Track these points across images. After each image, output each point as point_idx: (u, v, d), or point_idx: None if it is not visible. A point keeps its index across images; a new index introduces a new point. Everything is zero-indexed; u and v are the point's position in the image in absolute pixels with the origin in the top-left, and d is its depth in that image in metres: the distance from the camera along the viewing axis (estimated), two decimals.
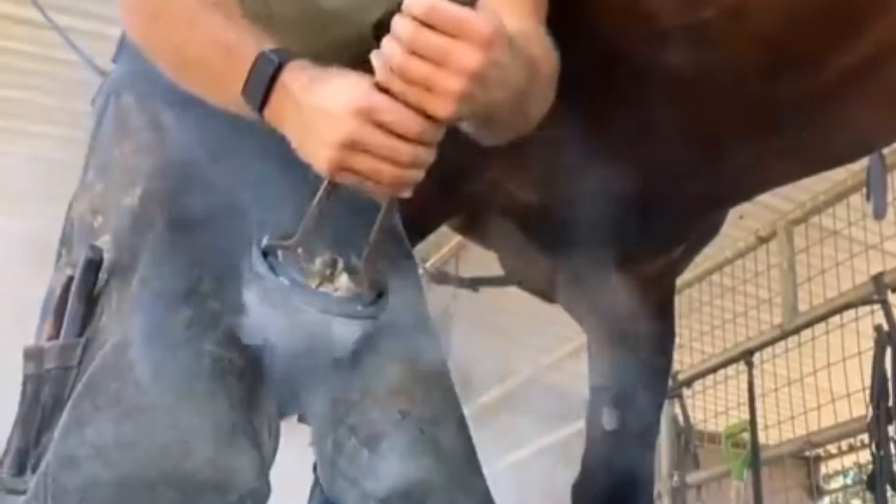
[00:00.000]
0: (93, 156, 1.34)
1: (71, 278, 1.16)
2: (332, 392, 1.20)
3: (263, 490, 1.08)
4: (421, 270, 2.54)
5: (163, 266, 1.14)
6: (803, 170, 1.73)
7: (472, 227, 2.14)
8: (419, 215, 1.57)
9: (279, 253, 1.09)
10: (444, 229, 2.18)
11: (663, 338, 2.27)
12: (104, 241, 1.19)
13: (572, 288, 2.25)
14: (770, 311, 3.79)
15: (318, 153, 0.98)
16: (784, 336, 3.39)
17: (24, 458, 1.10)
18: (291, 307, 1.05)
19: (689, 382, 3.83)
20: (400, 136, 0.95)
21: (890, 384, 2.71)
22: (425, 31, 0.90)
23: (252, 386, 1.12)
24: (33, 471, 1.06)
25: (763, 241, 3.63)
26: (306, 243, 1.11)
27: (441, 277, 3.51)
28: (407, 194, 1.02)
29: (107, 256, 1.17)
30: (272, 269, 1.06)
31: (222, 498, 1.02)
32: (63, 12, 3.27)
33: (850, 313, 3.10)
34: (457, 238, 3.93)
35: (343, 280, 1.13)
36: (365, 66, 0.99)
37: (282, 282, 1.05)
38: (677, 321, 2.33)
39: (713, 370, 3.74)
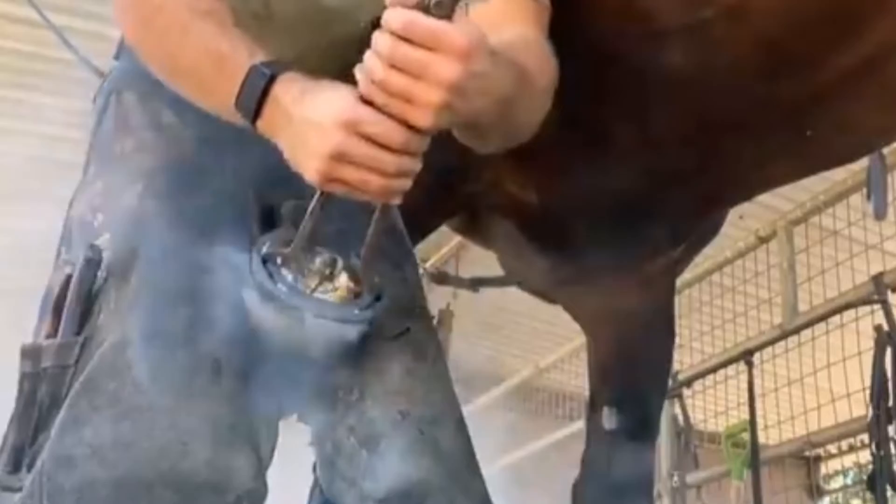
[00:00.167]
0: (93, 154, 1.34)
1: (70, 277, 1.16)
2: (331, 392, 1.20)
3: (261, 491, 1.08)
4: (421, 271, 2.54)
5: (162, 265, 1.14)
6: (803, 170, 1.73)
7: (472, 227, 2.14)
8: (419, 215, 1.57)
9: (278, 259, 1.11)
10: (444, 229, 2.18)
11: (663, 338, 2.27)
12: (104, 240, 1.19)
13: (572, 288, 2.25)
14: (770, 311, 3.79)
15: (308, 164, 1.01)
16: (784, 336, 3.39)
17: (20, 456, 1.09)
18: (288, 312, 1.08)
19: (689, 382, 3.83)
20: (385, 147, 0.98)
21: (890, 384, 2.71)
22: (403, 45, 0.93)
23: (250, 387, 1.12)
24: (29, 469, 1.06)
25: (763, 241, 3.63)
26: (306, 244, 1.13)
27: (441, 278, 3.51)
28: (396, 201, 1.04)
29: (106, 255, 1.17)
30: (270, 275, 1.09)
31: (219, 498, 1.02)
32: (61, 12, 3.27)
33: (850, 313, 3.10)
34: (457, 238, 3.93)
35: (343, 279, 1.14)
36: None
37: (280, 288, 1.08)
38: (677, 321, 2.33)
39: (713, 370, 3.74)
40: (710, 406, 4.15)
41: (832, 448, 4.98)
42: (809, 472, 5.23)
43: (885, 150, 2.40)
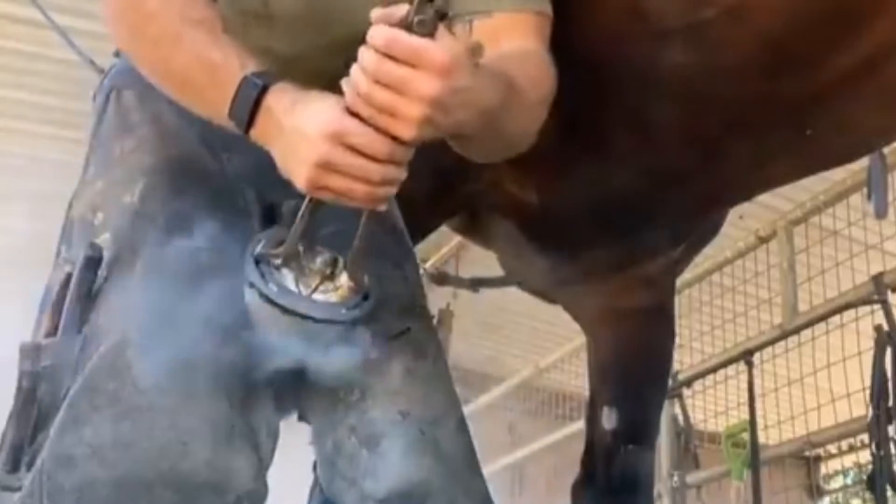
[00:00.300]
0: (93, 153, 1.34)
1: (69, 275, 1.16)
2: (331, 392, 1.20)
3: (261, 491, 1.08)
4: (421, 271, 2.54)
5: (162, 265, 1.14)
6: (803, 170, 1.73)
7: (472, 227, 2.14)
8: (419, 215, 1.57)
9: (277, 259, 1.12)
10: (444, 229, 2.18)
11: (663, 338, 2.27)
12: (104, 239, 1.19)
13: (572, 288, 2.25)
14: (770, 311, 3.79)
15: (297, 172, 1.04)
16: (784, 336, 3.39)
17: (19, 455, 1.09)
18: (279, 312, 1.09)
19: (689, 382, 3.83)
20: (370, 157, 1.00)
21: (890, 384, 2.71)
22: (387, 61, 0.96)
23: (250, 387, 1.12)
24: (28, 468, 1.06)
25: (763, 241, 3.63)
26: (306, 244, 1.14)
27: (441, 278, 3.51)
28: (382, 207, 1.08)
29: (106, 254, 1.17)
30: (262, 275, 1.10)
31: (219, 499, 1.02)
32: (64, 12, 3.27)
33: (850, 313, 3.10)
34: (457, 238, 3.93)
35: (343, 279, 1.15)
36: None
37: (270, 288, 1.10)
38: (677, 321, 2.33)
39: (713, 370, 3.74)
40: (710, 406, 4.14)
41: (832, 448, 4.98)
42: (809, 472, 5.23)
43: (886, 150, 2.40)
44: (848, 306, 3.06)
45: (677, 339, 2.39)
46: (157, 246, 1.16)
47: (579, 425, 3.48)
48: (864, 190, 2.60)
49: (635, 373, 2.19)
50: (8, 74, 4.09)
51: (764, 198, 3.60)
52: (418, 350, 1.24)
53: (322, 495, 1.20)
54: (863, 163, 2.58)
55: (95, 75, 1.81)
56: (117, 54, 1.44)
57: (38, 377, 1.12)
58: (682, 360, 3.88)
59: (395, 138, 1.00)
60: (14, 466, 1.08)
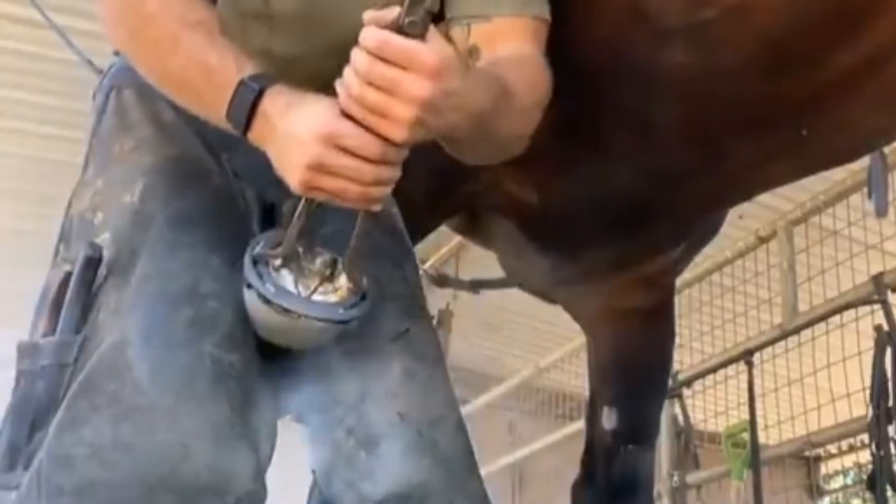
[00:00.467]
0: (93, 152, 1.34)
1: (69, 275, 1.16)
2: (330, 393, 1.20)
3: (260, 493, 1.08)
4: (421, 272, 2.54)
5: (162, 264, 1.14)
6: (804, 169, 1.73)
7: (472, 227, 2.14)
8: (419, 215, 1.57)
9: (277, 260, 1.13)
10: (443, 229, 2.18)
11: (663, 338, 2.27)
12: (104, 239, 1.19)
13: (572, 288, 2.25)
14: (770, 311, 3.79)
15: (291, 174, 1.05)
16: (784, 336, 3.39)
17: (16, 454, 1.09)
18: (277, 312, 1.10)
19: (689, 382, 3.83)
20: (362, 158, 1.01)
21: (890, 384, 2.71)
22: (379, 63, 0.97)
23: (250, 388, 1.12)
24: (25, 467, 1.06)
25: (763, 241, 3.62)
26: (306, 245, 1.15)
27: (441, 280, 3.51)
28: (376, 207, 1.09)
29: (106, 254, 1.17)
30: (260, 276, 1.11)
31: (220, 501, 1.02)
32: (62, 12, 3.26)
33: (850, 313, 3.10)
34: (457, 238, 3.93)
35: (342, 280, 1.15)
36: None
37: (268, 288, 1.10)
38: (677, 321, 2.32)
39: (713, 370, 3.74)
40: (710, 406, 4.14)
41: (832, 448, 4.98)
42: (809, 472, 5.23)
43: (886, 149, 2.40)
44: (848, 306, 3.06)
45: (677, 339, 2.39)
46: (158, 246, 1.16)
47: (579, 425, 3.48)
48: (865, 190, 2.60)
49: (635, 373, 2.19)
50: (8, 74, 4.09)
51: (764, 198, 3.60)
52: (417, 351, 1.24)
53: (321, 496, 1.20)
54: (863, 162, 2.58)
55: (95, 75, 1.80)
56: (117, 53, 1.44)
57: (37, 376, 1.12)
58: (682, 360, 3.88)
59: (386, 139, 1.00)
60: (11, 465, 1.08)
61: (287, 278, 1.14)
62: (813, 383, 3.44)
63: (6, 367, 1.21)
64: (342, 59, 1.01)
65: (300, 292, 1.13)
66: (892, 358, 2.73)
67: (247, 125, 1.08)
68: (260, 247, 1.14)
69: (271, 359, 1.18)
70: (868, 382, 2.79)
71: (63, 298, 1.15)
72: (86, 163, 1.34)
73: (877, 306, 2.90)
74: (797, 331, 3.35)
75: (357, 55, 0.98)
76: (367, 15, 0.99)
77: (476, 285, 3.17)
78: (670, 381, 3.18)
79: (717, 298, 4.11)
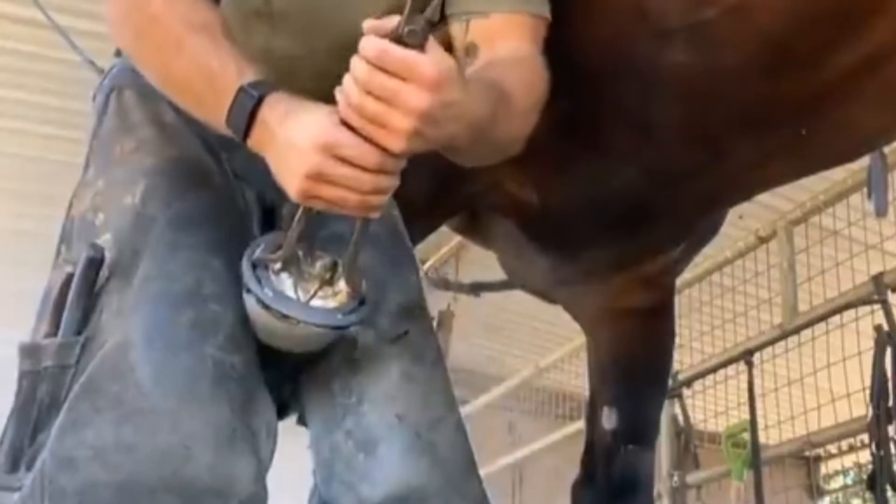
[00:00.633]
0: (93, 153, 1.34)
1: (70, 276, 1.16)
2: (329, 395, 1.20)
3: (261, 495, 1.08)
4: (421, 274, 2.55)
5: (164, 266, 1.14)
6: (803, 169, 1.73)
7: (472, 228, 2.14)
8: (419, 215, 1.57)
9: (276, 264, 1.13)
10: (444, 229, 2.18)
11: (663, 337, 2.27)
12: (105, 240, 1.19)
13: (572, 288, 2.25)
14: (770, 311, 3.79)
15: (289, 183, 1.06)
16: (784, 336, 3.38)
17: (19, 455, 1.09)
18: (275, 317, 1.11)
19: (689, 382, 3.83)
20: (361, 167, 1.01)
21: (890, 384, 2.71)
22: (378, 73, 0.97)
23: (251, 390, 1.12)
24: (28, 468, 1.06)
25: (763, 241, 3.62)
26: (306, 249, 1.15)
27: (442, 283, 3.50)
28: (375, 215, 1.09)
29: (108, 255, 1.17)
30: (259, 281, 1.11)
31: (222, 503, 1.02)
32: (64, 12, 3.27)
33: (850, 313, 3.10)
34: (457, 238, 3.92)
35: (342, 284, 1.16)
36: None
37: (266, 293, 1.11)
38: (677, 321, 2.32)
39: (713, 370, 3.74)
40: (710, 406, 4.14)
41: (832, 448, 4.98)
42: (809, 472, 5.23)
43: (886, 149, 2.40)
44: (848, 306, 3.06)
45: (677, 339, 2.39)
46: (159, 247, 1.16)
47: (579, 425, 3.48)
48: (864, 189, 2.60)
49: (635, 373, 2.19)
50: (8, 74, 4.09)
51: (764, 198, 3.60)
52: (416, 353, 1.24)
53: (320, 498, 1.20)
54: (863, 162, 2.58)
55: (95, 75, 1.80)
56: (118, 54, 1.44)
57: (39, 377, 1.12)
58: (682, 360, 3.88)
59: (385, 149, 1.00)
60: (13, 467, 1.08)
61: (286, 282, 1.14)
62: (813, 383, 3.44)
63: (7, 367, 1.21)
64: (342, 57, 1.01)
65: (299, 297, 1.14)
66: (892, 358, 2.73)
67: (246, 132, 1.08)
68: (260, 250, 1.15)
69: (272, 360, 1.18)
70: (868, 382, 2.79)
71: (65, 300, 1.15)
72: (86, 164, 1.34)
73: (877, 306, 2.90)
74: (797, 331, 3.35)
75: (357, 64, 0.98)
76: (367, 24, 0.99)
77: (477, 288, 3.17)
78: (670, 381, 3.19)
79: (717, 298, 4.11)
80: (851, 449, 4.67)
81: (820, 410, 3.31)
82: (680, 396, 3.80)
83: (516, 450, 4.99)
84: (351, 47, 1.00)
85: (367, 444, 1.16)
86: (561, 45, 1.32)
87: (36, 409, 1.10)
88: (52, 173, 4.21)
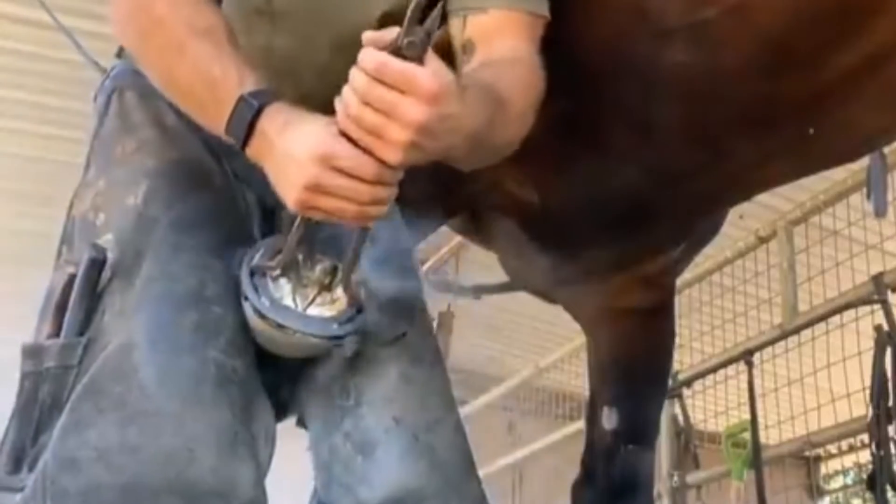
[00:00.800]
0: (94, 154, 1.34)
1: (73, 277, 1.16)
2: (328, 398, 1.20)
3: (261, 499, 1.08)
4: (421, 274, 2.54)
5: (167, 267, 1.14)
6: (804, 169, 1.73)
7: (472, 227, 2.14)
8: (419, 216, 1.57)
9: (274, 271, 1.14)
10: (444, 229, 2.18)
11: (664, 337, 2.27)
12: (106, 240, 1.19)
13: (572, 288, 2.25)
14: (770, 311, 3.79)
15: (288, 193, 1.06)
16: (784, 336, 3.38)
17: (21, 456, 1.09)
18: (272, 326, 1.11)
19: (689, 382, 3.83)
20: (358, 178, 1.02)
21: (890, 384, 2.71)
22: (377, 85, 0.97)
23: (251, 394, 1.12)
24: (30, 469, 1.06)
25: (763, 241, 3.62)
26: (306, 252, 1.16)
27: (443, 286, 3.50)
28: (373, 224, 1.09)
29: (110, 255, 1.17)
30: (256, 289, 1.12)
31: None
32: (66, 13, 3.27)
33: (850, 313, 3.10)
34: (457, 238, 3.93)
35: (340, 290, 1.16)
36: None
37: (263, 302, 1.11)
38: (677, 321, 2.32)
39: (713, 370, 3.74)
40: (710, 406, 4.14)
41: (832, 448, 4.98)
42: (809, 472, 5.23)
43: (886, 150, 2.40)
44: (848, 306, 3.06)
45: (677, 339, 2.39)
46: (162, 248, 1.16)
47: (579, 425, 3.48)
48: (864, 190, 2.60)
49: (635, 373, 2.19)
50: (8, 74, 4.09)
51: (764, 198, 3.60)
52: (415, 355, 1.24)
53: (319, 501, 1.20)
54: (863, 162, 2.58)
55: (95, 75, 1.80)
56: (119, 55, 1.44)
57: (41, 378, 1.12)
58: (682, 360, 3.88)
59: (382, 161, 1.01)
60: (15, 468, 1.08)
61: (285, 288, 1.14)
62: (813, 383, 3.44)
63: (8, 368, 1.21)
64: (343, 55, 1.01)
65: (297, 303, 1.14)
66: (892, 358, 2.73)
67: (245, 141, 1.09)
68: (258, 257, 1.15)
69: (271, 362, 1.18)
70: (868, 382, 2.79)
71: (67, 300, 1.15)
72: (87, 164, 1.34)
73: (877, 306, 2.90)
74: (797, 331, 3.35)
75: (356, 75, 0.98)
76: (366, 35, 0.99)
77: (478, 291, 3.17)
78: (670, 381, 3.19)
79: (717, 298, 4.11)
80: (851, 449, 4.68)
81: (820, 410, 3.31)
82: (680, 396, 3.80)
83: (516, 450, 4.99)
84: (351, 46, 1.00)
85: (366, 447, 1.16)
86: (561, 44, 1.32)
87: (38, 410, 1.10)
88: (52, 173, 4.21)
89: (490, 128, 1.11)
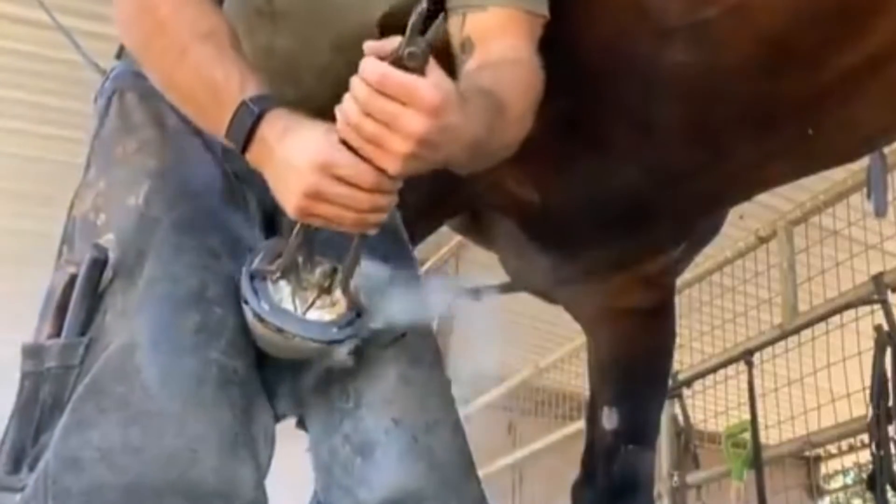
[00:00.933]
0: (94, 154, 1.34)
1: (74, 277, 1.16)
2: (328, 400, 1.20)
3: (261, 500, 1.08)
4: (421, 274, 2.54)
5: (169, 268, 1.14)
6: (804, 169, 1.73)
7: (473, 227, 2.14)
8: (419, 216, 1.58)
9: (267, 275, 1.14)
10: (444, 229, 2.18)
11: (664, 337, 2.27)
12: (107, 240, 1.18)
13: (572, 288, 2.25)
14: (770, 311, 3.79)
15: (288, 201, 1.06)
16: (784, 336, 3.38)
17: (20, 456, 1.09)
18: (271, 331, 1.11)
19: (689, 382, 3.83)
20: (358, 187, 1.02)
21: (890, 384, 2.71)
22: (378, 96, 0.97)
23: (251, 396, 1.12)
24: (30, 469, 1.05)
25: (763, 241, 3.62)
26: (306, 254, 1.15)
27: (443, 287, 3.50)
28: (373, 231, 1.09)
29: (111, 255, 1.17)
30: (256, 293, 1.12)
31: None
32: (66, 13, 3.26)
33: (850, 313, 3.10)
34: (457, 238, 3.92)
35: (338, 294, 1.16)
36: None
37: (263, 307, 1.11)
38: (677, 321, 2.33)
39: (713, 370, 3.74)
40: (710, 406, 4.14)
41: (832, 448, 4.98)
42: (809, 472, 5.23)
43: (886, 150, 2.40)
44: (848, 306, 3.06)
45: (677, 339, 2.39)
46: (164, 249, 1.16)
47: (579, 425, 3.48)
48: (864, 190, 2.61)
49: (636, 373, 2.19)
50: (7, 74, 4.09)
51: (764, 198, 3.60)
52: (413, 356, 1.24)
53: (319, 503, 1.20)
54: (863, 163, 2.58)
55: (95, 76, 1.80)
56: (119, 56, 1.44)
57: (42, 378, 1.11)
58: (682, 360, 3.88)
59: (382, 170, 1.01)
60: (15, 467, 1.08)
61: (284, 290, 1.14)
62: (813, 383, 3.44)
63: (7, 368, 1.21)
64: (344, 55, 1.01)
65: (297, 306, 1.13)
66: (892, 358, 2.73)
67: (245, 147, 1.09)
68: (258, 259, 1.15)
69: (270, 367, 1.18)
70: (868, 382, 2.79)
71: (68, 300, 1.15)
72: (87, 165, 1.33)
73: (877, 306, 2.90)
74: (797, 331, 3.35)
75: (356, 85, 0.98)
76: (367, 45, 0.99)
77: (477, 292, 3.16)
78: (670, 381, 3.19)
79: (717, 298, 4.11)
80: (851, 449, 4.68)
81: (820, 410, 3.31)
82: (680, 396, 3.79)
83: (516, 450, 4.99)
84: (352, 46, 1.00)
85: (365, 448, 1.16)
86: (561, 43, 1.32)
87: (38, 410, 1.10)
88: (52, 173, 4.21)
89: (490, 134, 1.11)
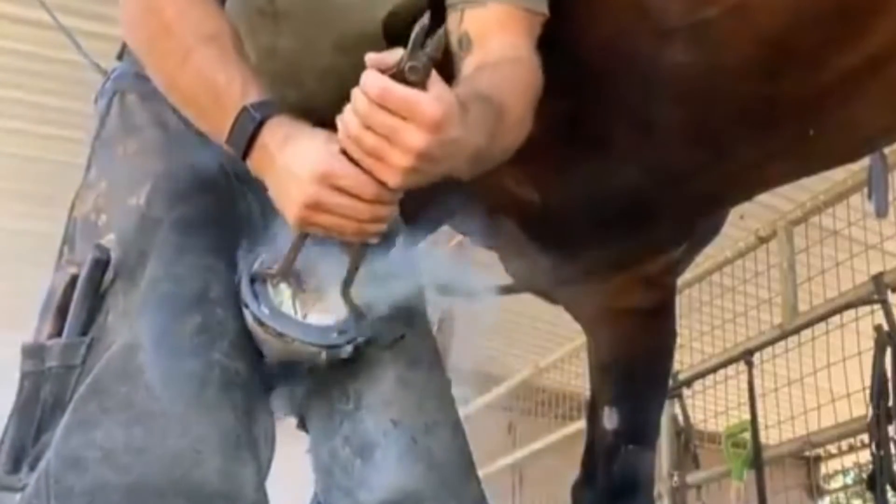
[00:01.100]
0: (95, 155, 1.34)
1: (75, 277, 1.16)
2: (327, 401, 1.21)
3: (262, 502, 1.08)
4: None
5: (171, 268, 1.14)
6: (804, 169, 1.73)
7: (473, 228, 2.14)
8: (419, 215, 1.57)
9: (267, 279, 1.14)
10: (444, 229, 2.18)
11: (664, 337, 2.27)
12: (109, 240, 1.19)
13: (572, 288, 2.25)
14: (770, 311, 3.79)
15: (288, 210, 1.07)
16: (784, 336, 3.39)
17: (21, 455, 1.09)
18: (272, 334, 1.11)
19: (689, 382, 3.83)
20: (358, 198, 1.02)
21: (890, 384, 2.71)
22: (379, 110, 0.96)
23: (252, 397, 1.12)
24: (31, 468, 1.05)
25: (763, 241, 3.63)
26: (307, 259, 1.15)
27: (442, 289, 3.49)
28: (374, 241, 1.10)
29: (113, 256, 1.17)
30: (256, 296, 1.12)
31: None
32: (67, 13, 3.26)
33: (850, 313, 3.10)
34: (457, 238, 3.92)
35: (338, 297, 1.15)
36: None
37: (262, 311, 1.11)
38: (677, 321, 2.32)
39: (713, 370, 3.74)
40: (710, 406, 4.14)
41: (832, 448, 4.98)
42: (809, 472, 5.23)
43: (886, 150, 2.40)
44: (848, 306, 3.06)
45: (677, 339, 2.39)
46: (165, 249, 1.16)
47: (579, 425, 3.48)
48: (865, 190, 2.61)
49: (636, 373, 2.19)
50: (7, 74, 4.09)
51: (764, 198, 3.60)
52: (413, 357, 1.24)
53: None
54: (863, 163, 2.58)
55: (96, 76, 1.80)
56: (120, 57, 1.44)
57: (43, 378, 1.12)
58: (682, 360, 3.88)
59: (382, 182, 1.01)
60: (15, 467, 1.08)
61: (285, 293, 1.14)
62: (813, 383, 3.44)
63: (7, 368, 1.21)
64: (346, 56, 1.01)
65: (297, 310, 1.14)
66: (892, 358, 2.73)
67: (246, 153, 1.09)
68: (259, 262, 1.15)
69: (271, 368, 1.18)
70: (868, 382, 2.79)
71: (69, 300, 1.15)
72: (88, 165, 1.33)
73: (877, 306, 2.91)
74: (797, 331, 3.35)
75: (357, 98, 0.98)
76: (369, 58, 0.98)
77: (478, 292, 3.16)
78: (670, 381, 3.18)
79: (717, 298, 4.11)
80: (851, 449, 4.68)
81: (820, 410, 3.32)
82: (680, 396, 3.80)
83: (516, 450, 4.99)
84: (354, 47, 1.00)
85: (364, 450, 1.16)
86: (562, 43, 1.32)
87: (39, 410, 1.10)
88: (52, 173, 4.21)
89: (490, 142, 1.10)
